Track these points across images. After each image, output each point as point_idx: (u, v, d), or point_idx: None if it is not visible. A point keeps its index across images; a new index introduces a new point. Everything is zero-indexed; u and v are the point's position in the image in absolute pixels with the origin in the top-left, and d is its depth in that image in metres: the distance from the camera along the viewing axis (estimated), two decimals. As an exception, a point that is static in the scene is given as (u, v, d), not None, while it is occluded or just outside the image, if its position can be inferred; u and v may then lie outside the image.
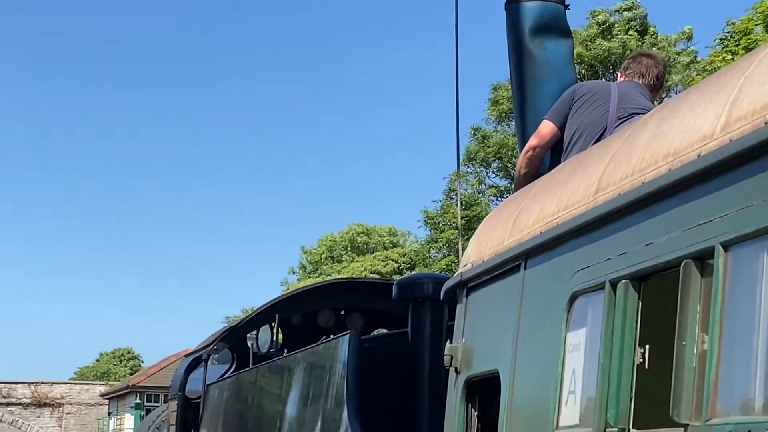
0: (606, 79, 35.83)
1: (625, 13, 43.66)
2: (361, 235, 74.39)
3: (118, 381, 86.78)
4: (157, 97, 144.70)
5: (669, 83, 36.41)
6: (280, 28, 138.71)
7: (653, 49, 39.68)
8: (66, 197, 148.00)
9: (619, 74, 7.81)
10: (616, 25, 43.05)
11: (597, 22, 43.14)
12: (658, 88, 7.50)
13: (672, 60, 40.73)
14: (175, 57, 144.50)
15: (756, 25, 30.11)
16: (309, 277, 69.84)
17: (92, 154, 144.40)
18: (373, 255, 66.08)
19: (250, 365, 12.99)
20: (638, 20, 43.55)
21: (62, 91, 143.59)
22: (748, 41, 28.78)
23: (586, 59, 42.00)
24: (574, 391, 4.51)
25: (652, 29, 43.73)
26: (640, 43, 41.83)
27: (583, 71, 41.13)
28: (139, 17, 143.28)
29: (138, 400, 65.46)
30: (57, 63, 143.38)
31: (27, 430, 75.64)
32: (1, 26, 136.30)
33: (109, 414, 73.19)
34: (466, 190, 47.79)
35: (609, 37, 42.48)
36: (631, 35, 42.19)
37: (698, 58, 41.51)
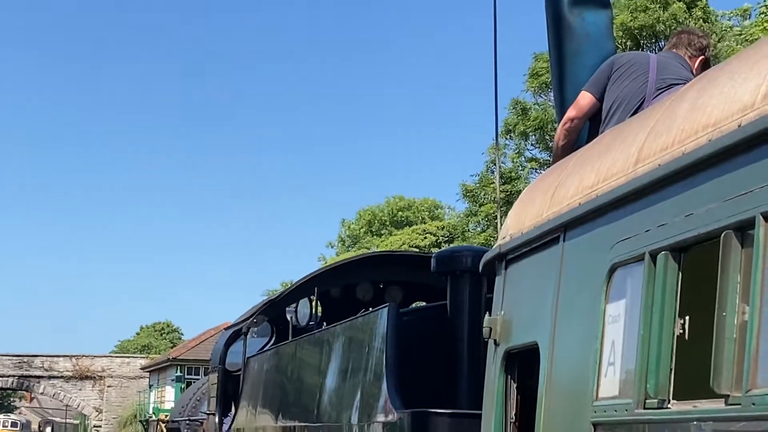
0: (649, 51, 35.47)
1: None
2: (402, 209, 74.36)
3: (159, 354, 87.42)
4: (196, 75, 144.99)
5: (716, 52, 35.95)
6: (327, 2, 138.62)
7: (700, 22, 39.27)
8: (108, 174, 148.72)
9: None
10: None
11: None
12: (697, 57, 7.41)
13: (721, 32, 40.24)
14: (217, 34, 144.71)
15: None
16: (347, 251, 69.93)
17: (137, 133, 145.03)
18: (412, 228, 66.05)
19: (290, 338, 13.05)
20: None
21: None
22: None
23: (633, 29, 41.54)
24: (613, 362, 4.51)
25: (702, 2, 43.12)
26: (687, 15, 41.37)
27: (627, 42, 40.75)
28: None
29: (178, 373, 65.90)
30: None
31: (69, 402, 76.35)
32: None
33: (150, 387, 73.76)
34: (505, 164, 47.60)
35: (662, 6, 41.91)
36: (679, 6, 41.67)
37: (740, 29, 41.07)
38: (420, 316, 10.66)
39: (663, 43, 40.15)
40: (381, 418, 8.75)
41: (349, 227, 77.52)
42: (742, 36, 37.85)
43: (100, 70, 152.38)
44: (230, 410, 15.30)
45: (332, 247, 78.31)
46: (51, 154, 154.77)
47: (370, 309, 10.96)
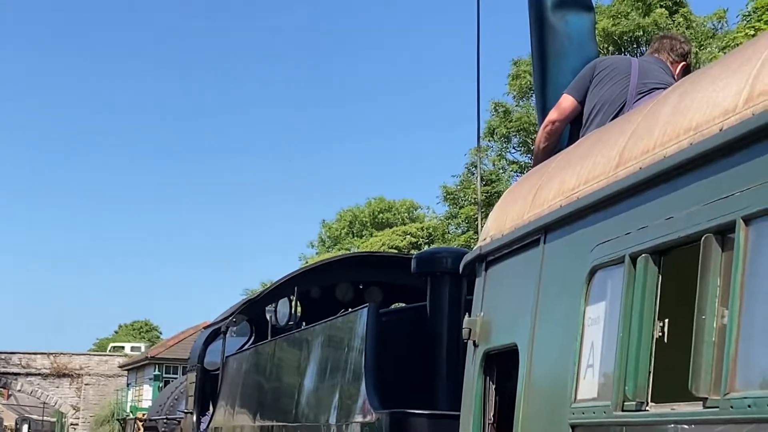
0: (630, 56, 35.50)
1: None
2: (382, 210, 74.34)
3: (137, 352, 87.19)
4: (179, 76, 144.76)
5: (698, 59, 36.07)
6: (306, 6, 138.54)
7: (683, 29, 39.33)
8: (86, 170, 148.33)
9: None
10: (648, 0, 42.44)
11: None
12: (678, 63, 7.43)
13: (703, 41, 40.39)
14: (198, 35, 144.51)
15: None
16: (328, 251, 69.86)
17: (117, 132, 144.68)
18: (392, 230, 66.04)
19: (269, 338, 13.02)
20: None
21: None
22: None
23: (614, 35, 41.62)
24: (592, 364, 4.51)
25: (684, 9, 43.16)
26: (670, 22, 41.45)
27: (609, 47, 40.83)
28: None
29: (156, 372, 65.76)
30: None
31: (46, 399, 76.06)
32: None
33: (128, 385, 73.54)
34: (487, 166, 47.65)
35: (644, 12, 41.96)
36: (661, 12, 41.73)
37: (722, 33, 41.18)
38: (399, 317, 10.65)
39: (644, 48, 40.19)
40: (359, 418, 8.75)
41: (329, 228, 77.44)
42: (725, 42, 37.96)
43: (78, 69, 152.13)
44: (208, 409, 15.26)
45: (313, 247, 78.27)
46: (27, 153, 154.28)
47: (350, 309, 10.94)
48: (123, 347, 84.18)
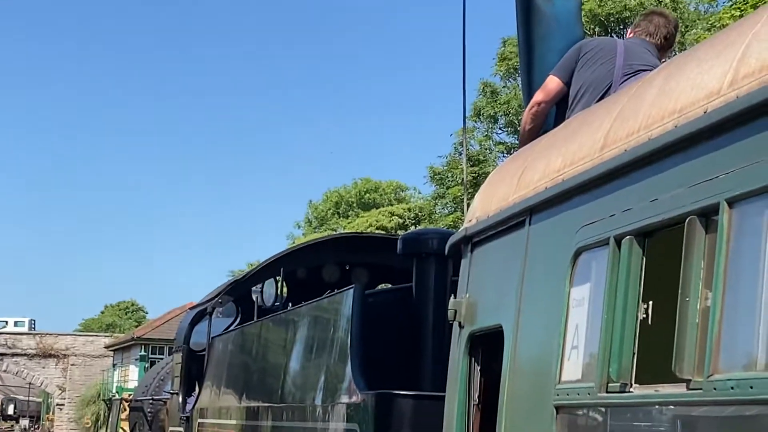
0: (617, 37, 35.46)
1: None
2: (369, 191, 74.32)
3: (123, 333, 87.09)
4: (165, 54, 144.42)
5: (683, 41, 36.04)
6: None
7: (669, 10, 39.26)
8: (72, 151, 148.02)
9: (629, 31, 7.77)
10: None
11: None
12: (665, 48, 7.46)
13: (690, 20, 40.38)
14: (185, 13, 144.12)
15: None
16: (314, 232, 69.83)
17: (102, 111, 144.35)
18: (379, 210, 66.01)
19: (255, 318, 13.03)
20: None
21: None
22: (757, -1, 28.57)
23: (601, 16, 41.58)
24: (577, 346, 4.52)
25: None
26: (656, 3, 41.41)
27: (596, 28, 40.80)
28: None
29: (142, 352, 65.72)
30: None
31: (32, 380, 75.97)
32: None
33: (114, 365, 73.50)
34: (474, 147, 47.59)
35: None
36: None
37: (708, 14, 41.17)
38: (385, 298, 10.68)
39: (632, 30, 40.02)
40: (345, 399, 8.77)
41: (316, 208, 77.41)
42: (711, 22, 37.95)
43: (64, 44, 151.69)
44: (194, 390, 15.27)
45: (299, 227, 78.25)
46: (16, 132, 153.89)
47: (336, 290, 10.95)
48: (6, 322, 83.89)
